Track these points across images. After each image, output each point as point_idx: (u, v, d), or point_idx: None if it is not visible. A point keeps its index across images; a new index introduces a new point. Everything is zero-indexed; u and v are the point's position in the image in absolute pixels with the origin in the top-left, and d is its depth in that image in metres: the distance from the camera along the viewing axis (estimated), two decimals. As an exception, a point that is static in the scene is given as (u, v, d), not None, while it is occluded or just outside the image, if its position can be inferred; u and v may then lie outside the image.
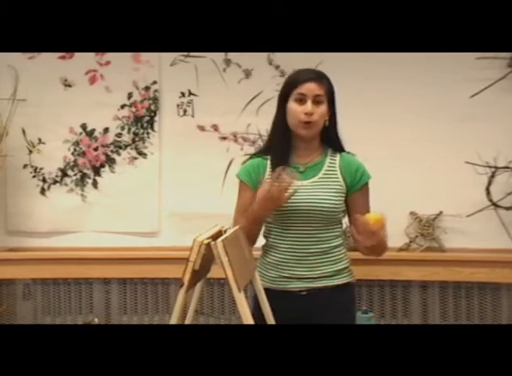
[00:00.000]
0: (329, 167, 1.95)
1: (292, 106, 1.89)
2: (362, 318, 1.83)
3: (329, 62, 2.80)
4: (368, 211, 1.92)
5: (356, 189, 1.95)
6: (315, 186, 1.91)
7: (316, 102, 1.88)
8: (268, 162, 1.96)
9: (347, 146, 2.02)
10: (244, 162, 2.02)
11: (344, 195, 1.93)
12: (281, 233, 1.93)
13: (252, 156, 2.03)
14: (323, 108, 1.90)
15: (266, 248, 1.99)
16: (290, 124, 1.92)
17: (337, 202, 1.91)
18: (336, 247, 1.95)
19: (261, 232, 2.00)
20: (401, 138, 2.82)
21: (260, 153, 2.02)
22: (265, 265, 1.98)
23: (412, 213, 2.83)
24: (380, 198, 2.80)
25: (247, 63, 2.88)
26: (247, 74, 2.89)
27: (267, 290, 1.76)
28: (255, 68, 2.88)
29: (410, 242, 2.82)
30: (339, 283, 1.94)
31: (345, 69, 2.80)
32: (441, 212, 2.81)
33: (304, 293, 1.91)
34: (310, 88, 1.88)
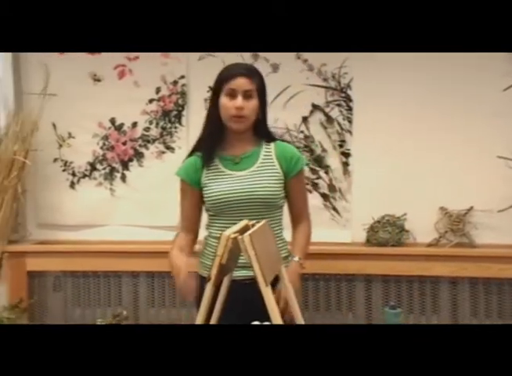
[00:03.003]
0: (265, 156, 1.99)
1: (223, 100, 1.93)
2: (389, 313, 1.80)
3: (353, 57, 2.79)
4: (304, 198, 2.02)
5: (292, 175, 1.99)
6: (253, 175, 1.95)
7: (246, 96, 1.91)
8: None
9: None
10: (184, 160, 2.06)
11: (282, 182, 1.97)
12: (223, 223, 1.95)
13: (190, 153, 2.05)
14: (254, 102, 1.92)
15: (209, 239, 2.03)
16: (223, 118, 1.95)
17: (276, 189, 1.95)
18: (276, 235, 1.97)
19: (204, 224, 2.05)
20: (432, 133, 2.79)
21: (195, 150, 2.04)
22: (207, 256, 2.02)
23: (441, 208, 2.79)
24: (409, 193, 2.80)
25: (275, 58, 2.86)
26: (275, 68, 2.88)
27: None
28: (283, 62, 2.87)
29: (440, 237, 2.79)
30: None
31: (370, 67, 2.79)
32: (471, 207, 2.77)
33: (248, 281, 1.88)
34: (240, 83, 1.91)
